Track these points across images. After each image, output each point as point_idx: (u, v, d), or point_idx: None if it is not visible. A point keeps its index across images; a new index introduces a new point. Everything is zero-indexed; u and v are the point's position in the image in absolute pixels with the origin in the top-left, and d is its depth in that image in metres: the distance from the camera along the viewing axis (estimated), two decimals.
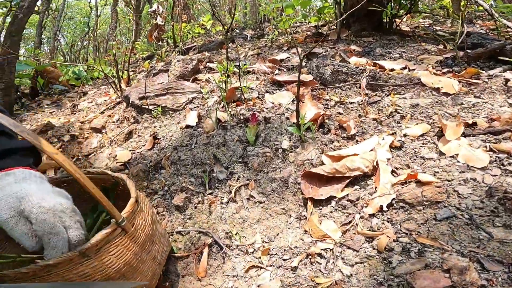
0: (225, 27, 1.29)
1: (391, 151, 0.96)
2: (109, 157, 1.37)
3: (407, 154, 0.94)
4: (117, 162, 1.27)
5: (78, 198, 0.68)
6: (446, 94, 1.17)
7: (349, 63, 1.62)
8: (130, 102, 1.61)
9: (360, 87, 1.37)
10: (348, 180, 0.88)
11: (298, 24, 3.28)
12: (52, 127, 1.85)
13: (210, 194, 0.99)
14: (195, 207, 0.98)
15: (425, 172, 0.88)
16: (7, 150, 0.60)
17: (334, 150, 1.00)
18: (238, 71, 1.42)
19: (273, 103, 1.31)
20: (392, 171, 0.90)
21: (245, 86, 1.40)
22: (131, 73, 2.89)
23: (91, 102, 2.45)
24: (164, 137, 1.35)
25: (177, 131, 1.35)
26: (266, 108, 1.26)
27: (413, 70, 1.42)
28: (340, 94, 1.41)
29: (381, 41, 2.01)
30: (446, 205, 0.79)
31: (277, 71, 1.77)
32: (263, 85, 1.56)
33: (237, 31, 3.33)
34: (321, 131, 1.08)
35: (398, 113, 1.12)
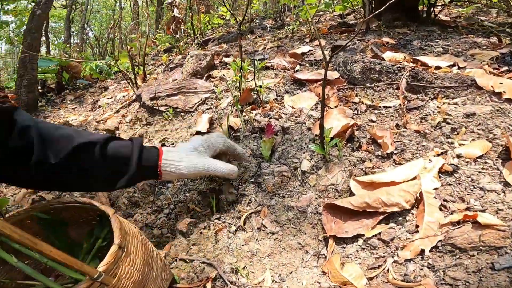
0: (238, 19, 1.11)
1: (440, 178, 0.75)
2: None
3: (461, 183, 0.73)
4: None
5: (73, 224, 0.69)
6: (510, 101, 0.92)
7: (383, 59, 1.38)
8: (142, 102, 1.50)
9: (397, 88, 1.14)
10: (382, 216, 0.69)
11: (321, 12, 2.99)
12: (69, 126, 1.79)
13: (218, 219, 0.85)
14: (201, 233, 0.85)
15: (485, 210, 0.67)
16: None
17: (365, 172, 0.81)
18: (253, 69, 1.24)
19: (292, 107, 1.13)
20: (441, 205, 0.70)
21: (261, 87, 1.23)
22: (150, 67, 2.80)
23: (111, 98, 2.39)
24: (173, 144, 1.22)
25: (187, 138, 1.21)
26: (285, 114, 1.08)
27: (464, 68, 1.16)
28: (373, 96, 1.19)
29: (419, 33, 1.72)
30: (509, 251, 0.60)
31: (298, 67, 1.57)
32: (283, 83, 1.37)
33: (257, 21, 3.10)
34: (350, 146, 0.89)
35: (448, 123, 0.90)
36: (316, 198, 0.79)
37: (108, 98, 2.42)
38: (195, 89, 1.43)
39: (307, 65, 1.62)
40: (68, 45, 4.26)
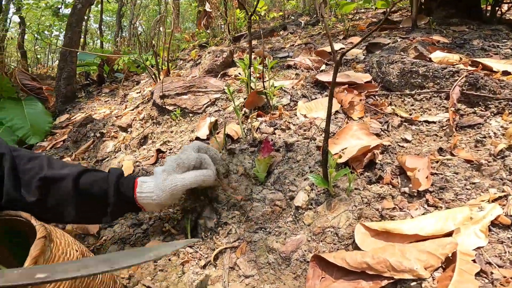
0: (249, 11, 0.91)
1: (490, 233, 0.48)
2: (118, 166, 1.17)
3: None
4: None
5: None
6: None
7: (430, 60, 1.07)
8: (153, 100, 1.39)
9: (446, 98, 0.85)
10: (387, 282, 0.46)
11: (362, 10, 2.63)
12: (91, 120, 1.78)
13: (190, 246, 0.68)
14: (169, 259, 0.69)
15: None
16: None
17: (381, 215, 0.56)
18: (264, 69, 1.04)
19: (305, 116, 0.90)
20: (480, 271, 0.44)
21: (274, 88, 1.02)
22: (181, 62, 2.73)
23: (139, 92, 2.36)
24: (171, 150, 1.08)
25: (184, 144, 1.07)
26: (294, 125, 0.86)
27: None
28: (412, 106, 0.91)
29: (481, 31, 1.34)
30: None
31: (323, 67, 1.32)
32: (301, 86, 1.14)
33: (292, 17, 2.85)
34: (367, 176, 0.64)
35: None
36: (308, 241, 0.57)
37: (137, 93, 2.40)
38: (206, 88, 1.28)
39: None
40: (118, 39, 4.44)
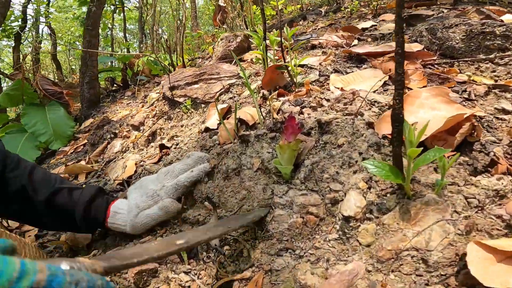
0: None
1: None
2: (124, 166, 0.99)
3: None
4: (114, 180, 0.87)
5: None
6: None
7: (502, 21, 0.78)
8: (162, 93, 1.21)
9: None
10: None
11: None
12: (108, 122, 1.65)
13: (186, 272, 0.45)
14: None
15: None
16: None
17: (508, 225, 0.30)
18: (285, 42, 0.80)
19: (342, 89, 0.65)
20: None
21: (297, 63, 0.78)
22: (199, 60, 2.58)
23: (159, 92, 2.24)
24: (177, 145, 0.88)
25: (193, 137, 0.85)
26: (327, 101, 0.61)
27: None
28: (494, 73, 0.63)
29: None
30: None
31: (355, 42, 1.05)
32: (331, 61, 0.89)
33: (310, 8, 2.59)
34: (465, 162, 0.37)
35: None
36: (369, 272, 0.32)
37: (156, 93, 2.28)
38: (218, 74, 1.07)
39: (369, 39, 1.09)
40: (142, 45, 4.44)
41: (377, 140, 0.44)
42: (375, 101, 0.53)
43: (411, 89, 0.60)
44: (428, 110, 0.45)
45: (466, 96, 0.53)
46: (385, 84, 0.65)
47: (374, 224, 0.35)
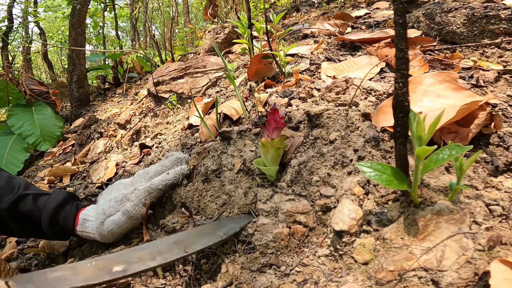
0: None
1: None
2: (106, 168, 0.91)
3: None
4: (93, 183, 0.79)
5: None
6: None
7: (505, 5, 0.70)
8: (147, 89, 1.13)
9: None
10: None
11: None
12: (95, 121, 1.57)
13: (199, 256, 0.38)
14: None
15: None
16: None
17: None
18: (272, 30, 0.72)
19: (333, 78, 0.57)
20: None
21: (286, 51, 0.70)
22: (191, 55, 2.48)
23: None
24: (159, 143, 0.80)
25: (176, 134, 0.78)
26: (318, 91, 0.53)
27: None
28: (501, 58, 0.56)
29: None
30: None
31: (349, 29, 0.97)
32: (323, 50, 0.81)
33: (303, 1, 2.49)
34: (483, 160, 0.30)
35: None
36: None
37: (147, 90, 2.19)
38: (204, 67, 0.98)
39: (363, 27, 1.01)
40: (135, 42, 4.29)
41: (375, 134, 0.37)
42: (371, 90, 0.45)
43: (411, 75, 0.53)
44: (433, 98, 0.38)
45: (474, 82, 0.46)
46: (382, 71, 0.58)
47: (372, 238, 0.28)
